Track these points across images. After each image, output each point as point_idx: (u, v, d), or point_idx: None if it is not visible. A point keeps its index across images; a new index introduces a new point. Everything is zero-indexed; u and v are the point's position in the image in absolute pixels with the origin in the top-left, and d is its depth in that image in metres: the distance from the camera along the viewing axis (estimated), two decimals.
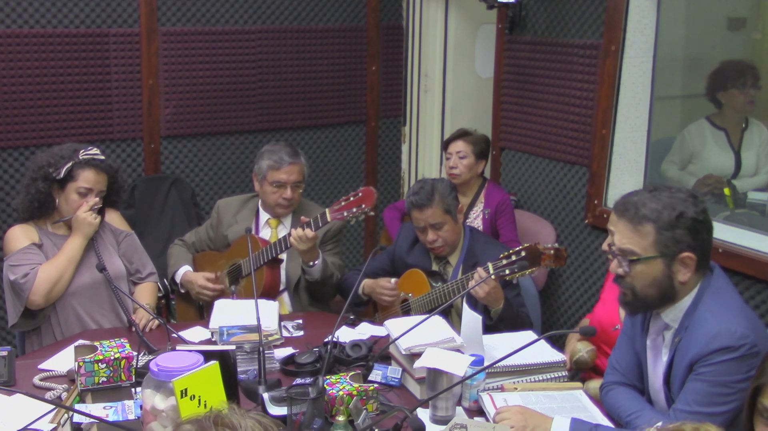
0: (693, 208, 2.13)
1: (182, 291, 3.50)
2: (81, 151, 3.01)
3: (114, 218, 3.20)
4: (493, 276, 2.82)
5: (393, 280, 3.24)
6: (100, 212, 3.09)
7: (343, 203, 3.08)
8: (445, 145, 4.04)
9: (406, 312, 3.22)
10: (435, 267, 3.27)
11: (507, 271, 2.80)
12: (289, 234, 3.19)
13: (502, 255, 2.84)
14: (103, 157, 3.06)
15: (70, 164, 2.97)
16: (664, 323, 2.24)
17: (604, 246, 2.28)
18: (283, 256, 3.38)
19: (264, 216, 3.50)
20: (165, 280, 3.64)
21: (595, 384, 2.61)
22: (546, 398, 2.41)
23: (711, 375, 2.08)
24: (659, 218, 2.12)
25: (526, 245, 2.81)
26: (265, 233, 3.47)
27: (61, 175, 2.96)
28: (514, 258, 2.79)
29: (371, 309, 3.47)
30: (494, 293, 2.88)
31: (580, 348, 2.78)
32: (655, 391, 2.31)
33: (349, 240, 5.03)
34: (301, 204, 3.52)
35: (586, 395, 2.42)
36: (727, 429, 2.08)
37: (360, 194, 3.06)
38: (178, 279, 3.47)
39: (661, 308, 2.22)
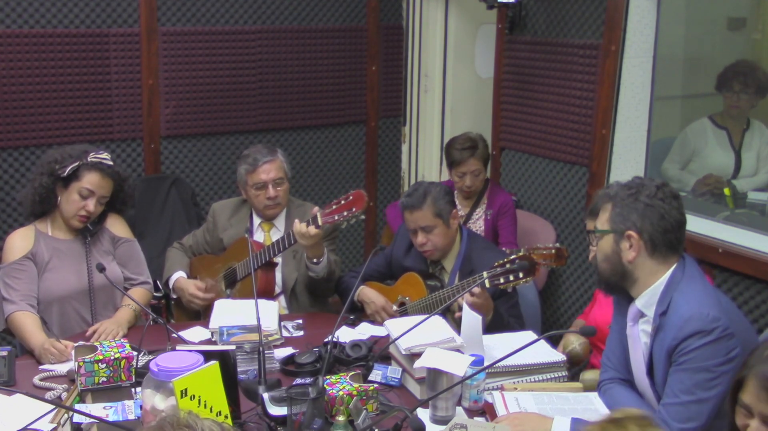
0: (646, 192, 2.24)
1: (174, 296, 3.50)
2: (91, 154, 3.02)
3: (116, 224, 3.18)
4: (487, 283, 2.81)
5: (395, 307, 3.22)
6: (101, 219, 3.10)
7: (334, 206, 3.05)
8: (455, 164, 3.87)
9: (403, 314, 3.21)
10: (431, 269, 3.26)
11: (501, 280, 2.79)
12: (287, 235, 3.18)
13: (496, 264, 2.82)
14: (111, 163, 3.06)
15: (76, 164, 2.98)
16: (637, 310, 2.29)
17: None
18: (278, 260, 3.37)
19: (257, 220, 3.50)
20: (161, 282, 3.64)
21: (590, 375, 2.62)
22: (559, 399, 2.41)
23: (691, 363, 2.11)
24: (616, 196, 2.27)
25: (520, 254, 2.80)
26: (258, 237, 3.46)
27: (66, 173, 2.96)
28: (508, 266, 2.78)
29: None
30: (485, 306, 2.87)
31: (573, 340, 2.78)
32: (639, 381, 2.34)
33: (349, 240, 5.03)
34: (298, 206, 3.51)
35: (600, 398, 2.42)
36: (717, 414, 2.12)
37: (351, 197, 3.01)
38: (171, 284, 3.47)
39: (623, 287, 2.29)
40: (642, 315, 2.28)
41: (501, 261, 2.82)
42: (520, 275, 2.76)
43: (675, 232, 2.24)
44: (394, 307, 3.21)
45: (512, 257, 2.80)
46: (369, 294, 3.26)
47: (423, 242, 3.16)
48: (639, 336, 2.30)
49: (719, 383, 2.10)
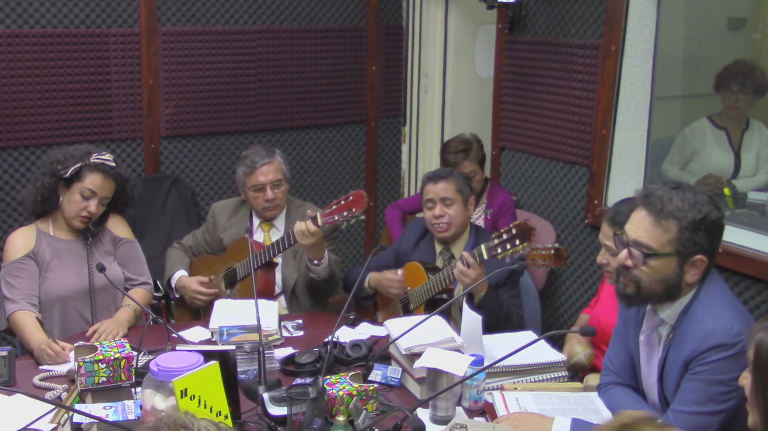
0: (716, 212, 2.12)
1: (176, 295, 3.50)
2: (94, 155, 3.02)
3: (117, 224, 3.18)
4: (485, 253, 2.84)
5: (399, 272, 3.25)
6: (102, 219, 3.10)
7: (334, 207, 3.05)
8: (450, 166, 3.87)
9: (405, 304, 3.23)
10: (439, 262, 3.27)
11: (499, 250, 2.82)
12: (287, 235, 3.19)
13: (494, 235, 2.86)
14: (114, 164, 3.06)
15: (78, 165, 2.98)
16: (659, 319, 2.23)
17: (604, 240, 2.26)
18: (278, 260, 3.37)
19: (257, 220, 3.50)
20: (161, 282, 3.64)
21: (593, 381, 2.61)
22: (559, 399, 2.41)
23: (708, 374, 2.08)
24: (684, 217, 2.09)
25: (516, 223, 2.81)
26: (258, 237, 3.46)
27: (68, 173, 2.97)
28: (505, 236, 2.82)
29: (372, 309, 3.48)
30: (477, 279, 2.88)
31: (578, 351, 2.77)
32: (648, 388, 2.31)
33: (349, 240, 5.04)
34: (298, 206, 3.51)
35: (600, 398, 2.41)
36: (727, 428, 2.09)
37: (350, 197, 3.02)
38: (173, 283, 3.47)
39: (659, 304, 2.21)
40: (663, 322, 2.23)
41: (498, 233, 2.85)
42: (517, 242, 2.78)
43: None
44: (399, 271, 3.25)
45: (509, 227, 2.83)
46: (375, 276, 3.34)
47: (440, 214, 3.21)
48: (657, 343, 2.25)
49: (733, 397, 2.05)
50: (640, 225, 2.14)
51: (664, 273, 2.12)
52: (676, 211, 2.09)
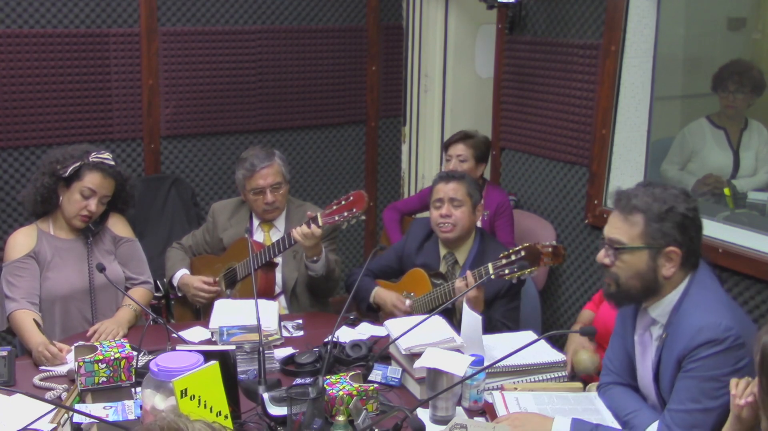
0: (684, 204, 2.17)
1: (179, 294, 3.50)
2: (92, 154, 3.03)
3: (117, 223, 3.18)
4: (492, 274, 2.83)
5: (408, 302, 3.24)
6: (102, 218, 3.11)
7: (334, 207, 3.06)
8: (446, 146, 4.02)
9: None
10: (443, 267, 3.27)
11: (506, 271, 2.81)
12: (288, 235, 3.18)
13: (502, 255, 2.86)
14: (113, 163, 3.06)
15: (78, 164, 2.99)
16: (651, 318, 2.25)
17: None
18: (278, 260, 3.37)
19: (257, 220, 3.49)
20: (161, 282, 3.64)
21: (585, 355, 2.65)
22: (559, 399, 2.41)
23: (700, 371, 2.09)
24: (649, 210, 2.16)
25: (525, 245, 2.82)
26: (258, 237, 3.46)
27: (67, 173, 2.97)
28: (513, 257, 2.81)
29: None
30: (477, 298, 2.90)
31: (585, 358, 2.74)
32: (645, 387, 2.33)
33: (349, 241, 5.04)
34: (298, 206, 3.51)
35: (600, 398, 2.41)
36: (723, 423, 2.10)
37: (351, 198, 3.02)
38: (175, 282, 3.47)
39: (645, 301, 2.24)
40: (654, 322, 2.25)
41: (506, 253, 2.86)
42: (525, 264, 2.79)
43: (701, 241, 2.21)
44: (407, 302, 3.22)
45: (518, 248, 2.83)
46: (381, 294, 3.30)
47: (447, 214, 3.20)
48: (650, 343, 2.27)
49: (726, 392, 2.04)
50: (612, 224, 2.23)
51: (638, 267, 2.18)
52: (641, 205, 2.17)
